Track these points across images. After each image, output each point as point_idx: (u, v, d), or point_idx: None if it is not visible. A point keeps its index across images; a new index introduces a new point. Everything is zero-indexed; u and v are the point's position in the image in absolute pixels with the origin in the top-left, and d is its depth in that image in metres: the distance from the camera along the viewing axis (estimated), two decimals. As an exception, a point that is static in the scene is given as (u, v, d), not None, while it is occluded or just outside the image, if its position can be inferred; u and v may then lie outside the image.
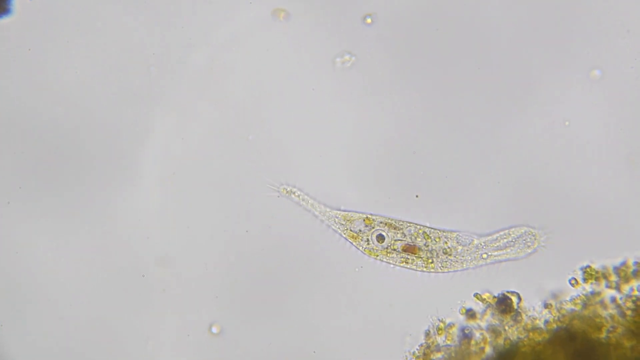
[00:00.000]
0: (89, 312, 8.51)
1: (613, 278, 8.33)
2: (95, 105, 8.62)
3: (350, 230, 8.45)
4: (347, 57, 8.47)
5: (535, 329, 8.27)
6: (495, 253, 8.45)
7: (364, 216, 8.48)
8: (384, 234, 8.45)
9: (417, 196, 8.30)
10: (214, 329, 8.47)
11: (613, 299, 8.29)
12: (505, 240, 8.45)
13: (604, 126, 8.51)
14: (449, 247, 8.43)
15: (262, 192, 8.49)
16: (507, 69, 8.57)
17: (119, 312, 8.52)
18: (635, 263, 8.35)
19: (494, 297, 8.39)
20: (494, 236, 8.46)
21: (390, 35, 8.63)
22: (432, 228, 8.47)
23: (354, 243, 8.45)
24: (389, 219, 8.48)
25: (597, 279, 8.34)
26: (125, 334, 8.49)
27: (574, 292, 8.35)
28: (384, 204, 8.52)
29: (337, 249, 8.54)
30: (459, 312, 8.38)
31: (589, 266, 8.37)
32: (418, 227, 8.48)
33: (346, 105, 8.62)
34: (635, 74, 8.50)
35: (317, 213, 8.45)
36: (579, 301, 8.31)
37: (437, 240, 8.45)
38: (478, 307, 8.39)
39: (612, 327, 8.18)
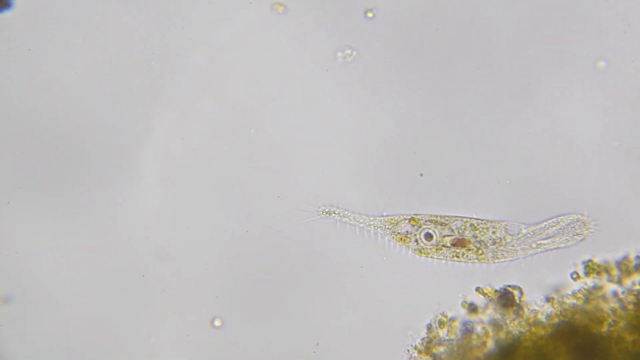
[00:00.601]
0: (89, 312, 8.51)
1: (615, 272, 8.32)
2: (95, 105, 8.62)
3: (398, 233, 8.41)
4: (348, 51, 8.46)
5: (537, 323, 8.25)
6: (545, 242, 8.40)
7: (409, 217, 8.44)
8: (431, 231, 8.41)
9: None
10: (216, 323, 8.47)
11: (615, 293, 8.27)
12: (554, 228, 8.40)
13: (604, 124, 8.52)
14: (498, 238, 8.38)
15: (301, 219, 8.46)
16: (507, 68, 8.58)
17: (119, 312, 8.51)
18: (637, 257, 8.34)
19: (496, 291, 8.37)
20: (543, 225, 8.41)
21: (389, 35, 8.63)
22: (479, 219, 8.44)
23: (403, 246, 8.41)
24: (434, 216, 8.45)
25: (598, 273, 8.32)
26: (125, 334, 8.49)
27: (575, 286, 8.34)
28: (388, 204, 8.52)
29: (337, 249, 8.55)
30: (461, 306, 8.36)
31: (590, 260, 8.35)
32: (465, 220, 8.45)
33: (346, 104, 8.63)
34: (637, 68, 8.52)
35: (361, 225, 8.42)
36: (580, 295, 8.29)
37: (486, 231, 8.40)
38: (480, 301, 8.38)
39: (614, 321, 8.16)
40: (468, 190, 8.54)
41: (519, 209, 8.51)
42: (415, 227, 8.39)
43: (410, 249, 8.42)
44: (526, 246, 8.39)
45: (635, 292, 8.24)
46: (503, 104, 8.58)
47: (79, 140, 8.61)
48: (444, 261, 8.44)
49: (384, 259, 8.50)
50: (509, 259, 8.42)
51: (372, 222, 8.43)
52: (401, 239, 8.40)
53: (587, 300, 8.27)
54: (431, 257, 8.43)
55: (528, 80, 8.59)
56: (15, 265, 8.53)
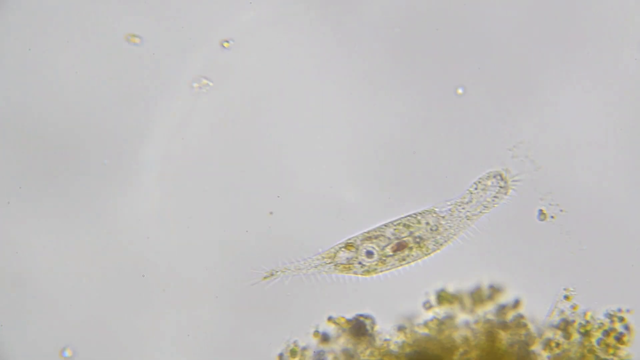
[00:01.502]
0: (89, 312, 8.51)
1: (467, 302, 8.26)
2: (95, 105, 8.62)
3: (340, 264, 8.36)
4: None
5: (389, 352, 8.16)
6: (476, 209, 8.33)
7: (343, 244, 8.39)
8: (369, 249, 8.35)
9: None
10: (66, 353, 8.47)
11: (467, 323, 8.23)
12: (478, 193, 8.31)
13: (605, 125, 8.53)
14: (433, 225, 8.32)
15: (249, 281, 8.43)
16: (508, 68, 8.58)
17: (119, 312, 8.52)
18: (489, 287, 8.29)
19: (348, 320, 8.29)
20: (465, 192, 8.34)
21: (390, 34, 8.64)
22: (407, 216, 8.38)
23: (350, 273, 8.33)
24: (366, 232, 8.38)
25: (451, 302, 8.25)
26: (125, 334, 8.49)
27: (427, 315, 8.28)
28: (385, 204, 8.52)
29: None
30: (312, 335, 8.30)
31: (443, 289, 8.29)
32: (395, 223, 8.39)
33: (347, 104, 8.63)
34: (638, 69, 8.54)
35: (305, 271, 8.34)
36: (432, 325, 8.23)
37: (418, 224, 8.35)
38: (332, 330, 8.30)
39: (465, 350, 8.10)
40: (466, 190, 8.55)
41: (517, 208, 8.52)
42: (353, 251, 8.32)
43: (358, 274, 8.35)
44: (461, 221, 8.31)
45: (486, 322, 8.20)
46: (504, 103, 8.59)
47: (79, 140, 8.61)
48: (394, 271, 8.36)
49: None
50: (451, 241, 8.34)
51: (314, 263, 8.35)
52: (346, 268, 8.31)
53: (439, 329, 8.20)
54: (380, 272, 8.33)
55: (529, 80, 8.60)
56: (15, 265, 8.53)
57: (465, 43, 8.59)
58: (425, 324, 8.26)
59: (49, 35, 8.63)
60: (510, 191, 8.29)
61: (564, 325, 8.24)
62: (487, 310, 8.25)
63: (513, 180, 8.31)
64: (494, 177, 8.29)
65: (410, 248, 8.29)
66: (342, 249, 8.29)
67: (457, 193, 8.37)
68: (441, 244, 8.33)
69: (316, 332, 8.31)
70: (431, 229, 8.28)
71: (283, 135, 8.66)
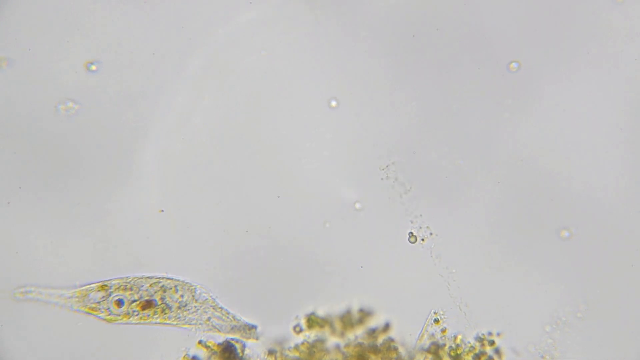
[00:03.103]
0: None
1: (338, 325, 8.32)
2: (95, 105, 8.62)
3: (88, 304, 8.31)
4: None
5: None
6: (220, 321, 8.38)
7: (99, 285, 8.34)
8: (122, 298, 8.31)
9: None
10: None
11: (337, 346, 8.27)
12: (231, 320, 8.40)
13: (606, 125, 8.55)
14: (183, 303, 8.34)
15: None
16: (507, 68, 8.59)
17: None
18: (359, 310, 8.32)
19: (218, 344, 8.29)
20: (225, 310, 8.41)
21: (390, 35, 8.64)
22: (170, 279, 8.37)
23: (94, 314, 8.30)
24: (124, 280, 8.35)
25: (321, 326, 8.30)
26: (125, 334, 8.49)
27: (298, 339, 8.32)
28: (379, 204, 8.53)
29: (336, 249, 8.56)
30: (182, 359, 8.29)
31: (312, 314, 8.35)
32: (154, 280, 8.37)
33: (346, 104, 8.64)
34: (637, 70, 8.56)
35: (56, 301, 8.31)
36: (303, 348, 8.26)
37: (173, 293, 8.33)
38: (202, 354, 8.29)
39: None
40: (467, 191, 8.56)
41: (517, 208, 8.53)
42: (105, 295, 8.29)
43: (101, 318, 8.31)
44: (204, 314, 8.34)
45: (358, 345, 8.23)
46: (503, 103, 8.60)
47: (79, 139, 8.62)
48: (134, 326, 8.35)
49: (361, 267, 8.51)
50: (189, 324, 8.35)
51: (66, 296, 8.32)
52: (93, 309, 8.28)
53: (309, 353, 8.24)
54: (120, 323, 8.34)
55: (529, 79, 8.61)
56: (15, 265, 8.54)
57: (466, 41, 8.60)
58: (296, 347, 8.29)
59: (49, 35, 8.62)
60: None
61: (435, 349, 8.26)
62: (358, 333, 8.29)
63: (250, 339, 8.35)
64: (246, 329, 8.35)
65: (155, 311, 8.29)
66: (96, 290, 8.28)
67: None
68: (181, 323, 8.34)
69: (186, 356, 8.31)
70: (179, 305, 8.28)
71: (283, 135, 8.66)
